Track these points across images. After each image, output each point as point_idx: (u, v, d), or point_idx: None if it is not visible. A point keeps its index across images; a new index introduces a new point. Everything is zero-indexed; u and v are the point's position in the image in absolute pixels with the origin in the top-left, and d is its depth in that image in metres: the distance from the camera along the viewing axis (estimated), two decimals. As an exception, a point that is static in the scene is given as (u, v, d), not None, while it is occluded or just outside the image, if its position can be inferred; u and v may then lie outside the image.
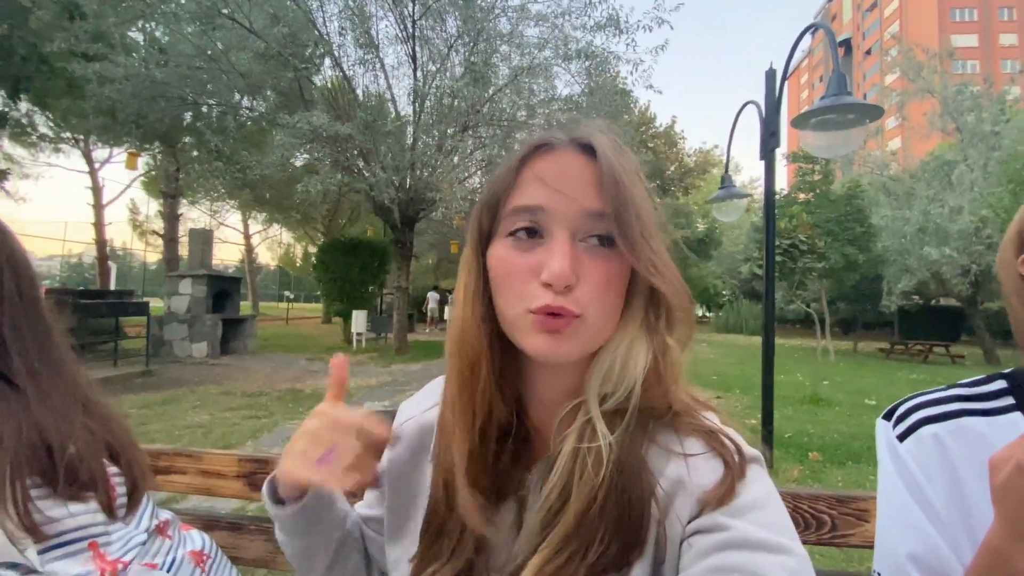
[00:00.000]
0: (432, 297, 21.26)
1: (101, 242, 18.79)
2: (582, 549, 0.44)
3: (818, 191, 18.98)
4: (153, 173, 18.79)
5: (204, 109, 11.58)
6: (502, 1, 10.00)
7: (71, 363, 0.66)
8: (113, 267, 19.34)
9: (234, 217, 28.96)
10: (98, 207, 19.14)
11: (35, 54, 9.00)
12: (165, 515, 0.68)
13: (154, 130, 11.66)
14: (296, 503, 0.57)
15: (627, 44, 10.49)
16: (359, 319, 13.11)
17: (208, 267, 11.19)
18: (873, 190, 16.57)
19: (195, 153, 14.42)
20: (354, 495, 0.59)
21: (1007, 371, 0.61)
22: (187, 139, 13.90)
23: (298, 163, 11.85)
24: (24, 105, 11.69)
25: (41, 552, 0.53)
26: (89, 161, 18.73)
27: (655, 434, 0.49)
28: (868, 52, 57.37)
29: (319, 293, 16.63)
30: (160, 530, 0.63)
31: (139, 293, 19.10)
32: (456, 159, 11.05)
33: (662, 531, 0.45)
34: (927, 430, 0.57)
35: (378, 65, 10.96)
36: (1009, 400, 0.57)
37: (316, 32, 10.28)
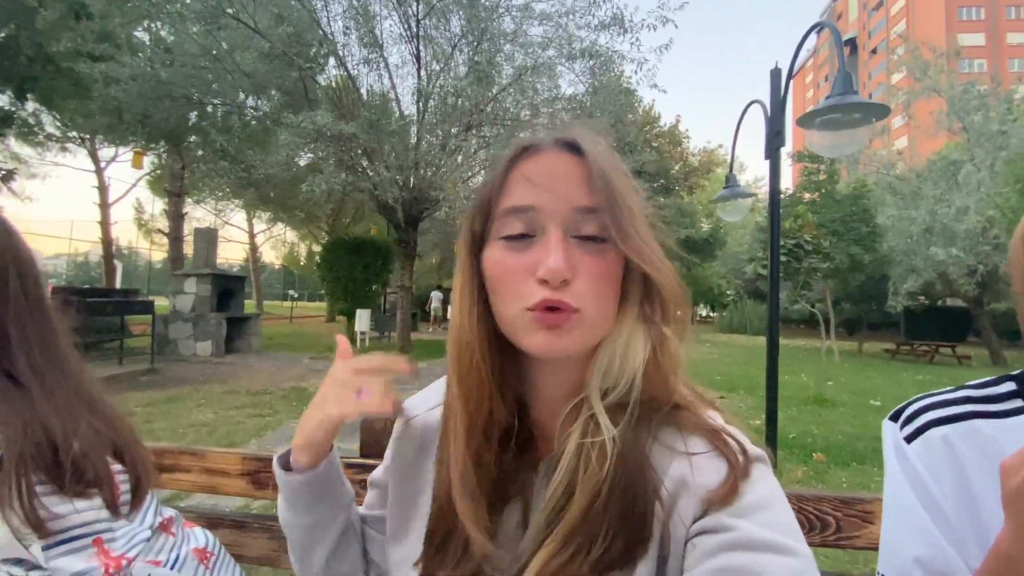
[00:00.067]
0: (436, 296, 21.28)
1: (107, 241, 18.90)
2: (587, 544, 0.44)
3: (823, 191, 18.90)
4: (158, 172, 18.88)
5: (209, 109, 11.63)
6: (506, 0, 10.00)
7: (75, 362, 0.66)
8: (119, 266, 19.45)
9: (238, 216, 29.13)
10: (104, 206, 19.26)
11: (41, 54, 9.06)
12: (169, 512, 0.69)
13: (159, 129, 11.72)
14: (310, 471, 0.58)
15: (631, 43, 10.48)
16: (363, 318, 13.13)
17: (213, 266, 11.23)
18: (879, 190, 16.48)
19: (200, 152, 14.49)
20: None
21: (1016, 372, 0.60)
22: (192, 138, 13.96)
23: (302, 162, 11.90)
24: (31, 105, 11.76)
25: (46, 548, 0.54)
26: (95, 160, 18.84)
27: (659, 432, 0.49)
28: (874, 51, 57.05)
29: (323, 292, 16.67)
30: (164, 527, 0.64)
31: (144, 292, 19.19)
32: (460, 158, 11.05)
33: (666, 531, 0.45)
34: (936, 432, 0.56)
35: (382, 64, 10.98)
36: (1019, 402, 0.56)
37: (320, 32, 10.31)
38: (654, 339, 0.49)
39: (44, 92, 10.52)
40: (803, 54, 4.19)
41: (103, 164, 19.21)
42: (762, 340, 4.43)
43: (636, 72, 10.81)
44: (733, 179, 5.21)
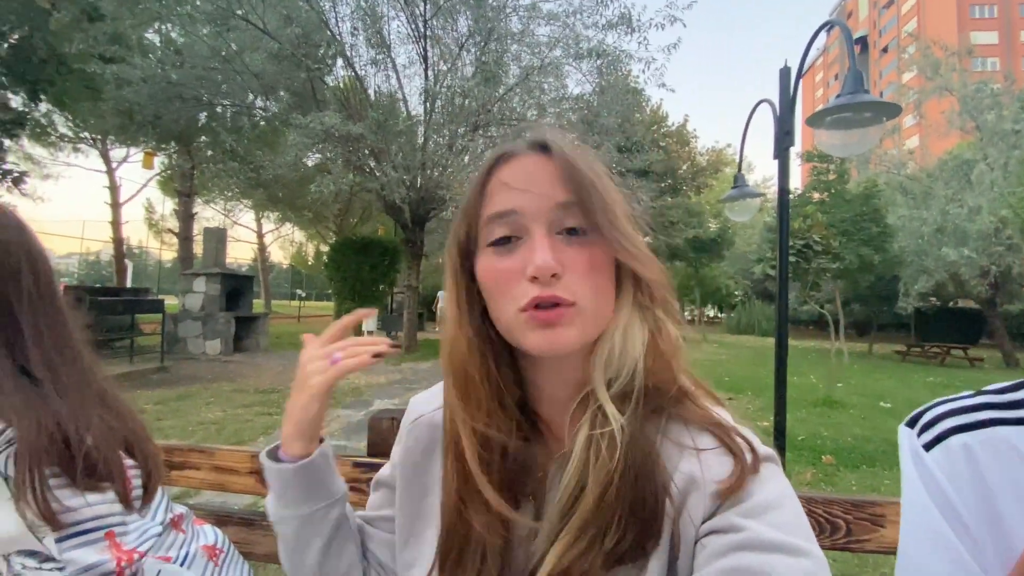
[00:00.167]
0: (442, 296, 21.17)
1: (118, 240, 19.11)
2: (600, 535, 0.44)
3: (833, 190, 18.74)
4: (169, 172, 19.06)
5: (219, 109, 11.74)
6: (513, 0, 10.00)
7: (88, 357, 0.67)
8: (129, 265, 19.66)
9: (247, 216, 29.33)
10: (115, 206, 19.47)
11: (54, 56, 9.16)
12: (180, 509, 0.69)
13: (170, 130, 11.83)
14: (303, 459, 0.58)
15: (639, 42, 10.45)
16: (370, 318, 13.18)
17: (222, 265, 11.33)
18: (890, 190, 16.31)
19: (210, 153, 14.63)
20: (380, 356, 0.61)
21: None
22: (202, 139, 14.09)
23: (310, 163, 11.97)
24: (44, 106, 11.91)
25: (59, 540, 0.54)
26: (107, 161, 19.05)
27: (667, 429, 0.49)
28: (885, 50, 56.49)
29: (330, 291, 16.76)
30: (175, 524, 0.64)
31: (154, 291, 19.38)
32: (467, 158, 11.07)
33: (676, 529, 0.45)
34: (956, 440, 0.54)
35: (390, 65, 11.02)
36: None
37: (329, 32, 10.36)
38: (651, 325, 0.50)
39: (57, 93, 10.64)
40: (813, 53, 4.16)
41: (114, 164, 19.43)
42: (770, 341, 4.40)
43: (644, 71, 10.79)
44: (741, 179, 5.17)
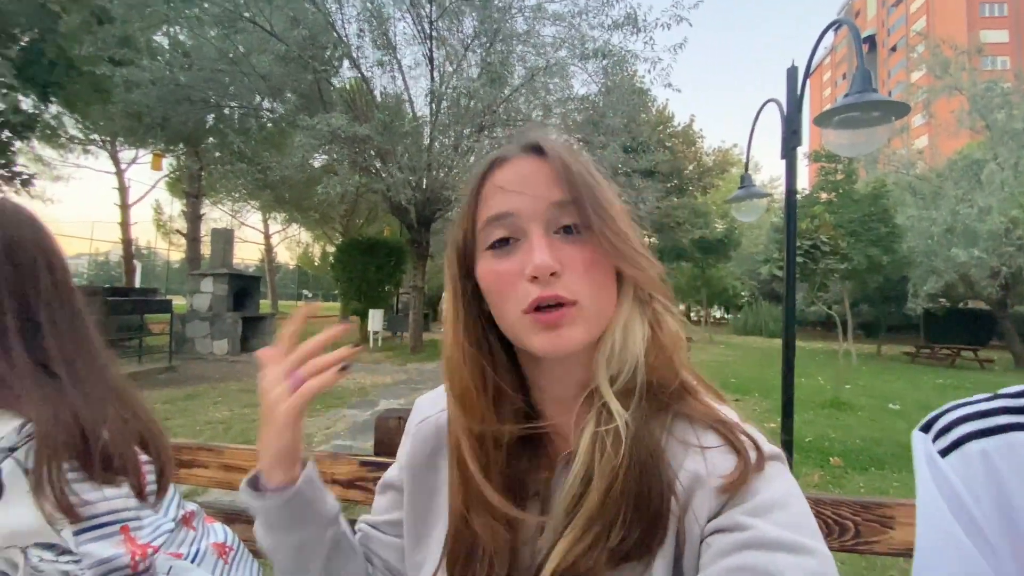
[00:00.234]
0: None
1: (127, 241, 19.27)
2: (606, 531, 0.44)
3: (841, 191, 18.62)
4: (177, 174, 19.21)
5: (226, 111, 11.82)
6: (519, 1, 10.01)
7: (104, 353, 0.68)
8: (138, 266, 19.83)
9: (254, 217, 29.54)
10: (124, 207, 19.64)
11: (64, 58, 9.26)
12: (190, 507, 0.70)
13: (178, 132, 11.92)
14: (287, 489, 0.54)
15: (645, 42, 10.43)
16: (375, 318, 13.23)
17: (229, 266, 11.40)
18: (898, 190, 16.18)
19: (217, 154, 14.72)
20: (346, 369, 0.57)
21: None
22: (210, 140, 14.19)
23: (317, 164, 12.02)
24: (54, 108, 12.04)
25: (76, 533, 0.55)
26: (116, 162, 19.23)
27: (673, 427, 0.49)
28: (893, 49, 56.05)
29: (337, 292, 16.83)
30: (186, 521, 0.65)
31: (163, 291, 19.53)
32: (472, 159, 11.08)
33: (682, 527, 0.45)
34: (974, 446, 0.52)
35: (396, 66, 11.06)
36: None
37: (335, 34, 10.41)
38: (651, 320, 0.50)
39: (67, 96, 10.76)
40: (820, 52, 4.14)
41: (123, 166, 19.61)
42: (777, 342, 4.38)
43: (650, 71, 10.77)
44: (748, 179, 5.15)
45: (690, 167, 24.91)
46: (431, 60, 10.57)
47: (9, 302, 0.61)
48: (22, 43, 8.90)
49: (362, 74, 11.16)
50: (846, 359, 12.39)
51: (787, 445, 4.05)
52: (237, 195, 21.59)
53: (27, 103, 9.87)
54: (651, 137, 15.49)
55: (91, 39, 9.08)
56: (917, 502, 0.56)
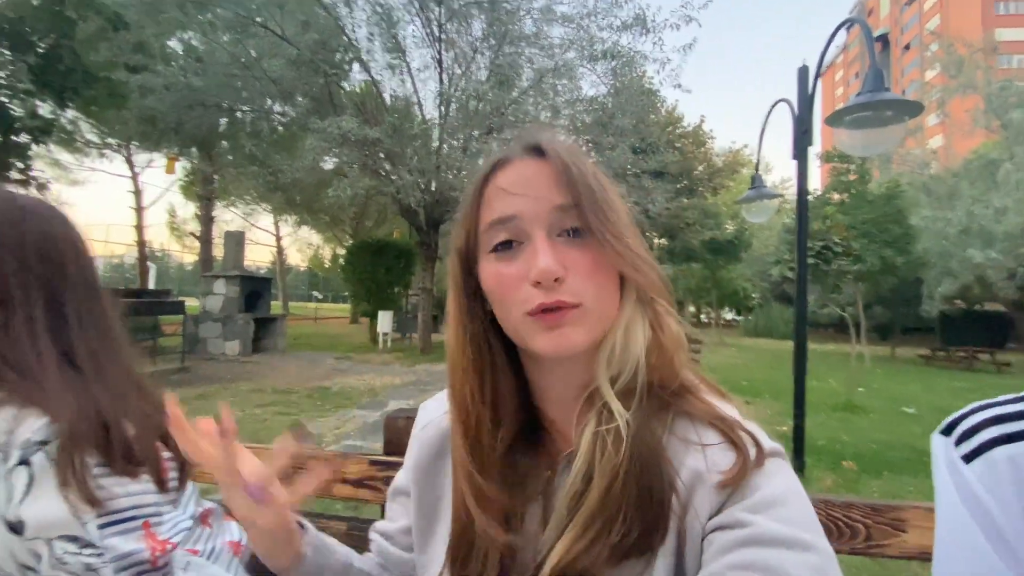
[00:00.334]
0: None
1: (141, 244, 19.57)
2: (606, 529, 0.44)
3: (853, 191, 18.41)
4: (190, 177, 19.47)
5: (239, 115, 11.96)
6: (527, 3, 10.03)
7: (127, 347, 0.70)
8: (152, 268, 20.10)
9: (266, 219, 29.76)
10: (139, 210, 19.94)
11: (80, 64, 9.42)
12: (209, 504, 0.70)
13: (192, 136, 12.09)
14: (298, 566, 0.56)
15: (654, 43, 10.41)
16: (385, 319, 13.29)
17: (241, 268, 11.52)
18: (913, 190, 15.98)
19: (230, 157, 14.90)
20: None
21: None
22: (223, 144, 14.36)
23: (328, 167, 12.12)
24: (71, 113, 12.25)
25: (101, 527, 0.56)
26: (131, 166, 19.53)
27: (674, 426, 0.49)
28: (907, 47, 55.37)
29: (347, 294, 16.94)
30: (203, 518, 0.66)
31: (176, 292, 19.77)
32: (481, 161, 11.10)
33: (683, 526, 0.45)
34: (1000, 452, 0.48)
35: (405, 69, 11.12)
36: None
37: (345, 38, 10.50)
38: (652, 321, 0.50)
39: (83, 101, 10.94)
40: (832, 51, 4.11)
41: (138, 170, 19.91)
42: (789, 344, 4.34)
43: (659, 72, 10.74)
44: (759, 179, 5.12)
45: (700, 168, 24.76)
46: (440, 63, 10.63)
47: (38, 295, 0.62)
48: (39, 49, 9.07)
49: (372, 77, 11.25)
50: (859, 361, 12.23)
51: (798, 448, 4.03)
52: (249, 198, 21.85)
53: (44, 108, 10.05)
54: (660, 138, 15.45)
55: (107, 45, 9.24)
56: (937, 509, 0.53)
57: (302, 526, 0.58)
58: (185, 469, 0.67)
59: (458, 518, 0.53)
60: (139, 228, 19.68)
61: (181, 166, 16.88)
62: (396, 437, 1.05)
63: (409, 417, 1.02)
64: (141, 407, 0.64)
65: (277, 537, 0.53)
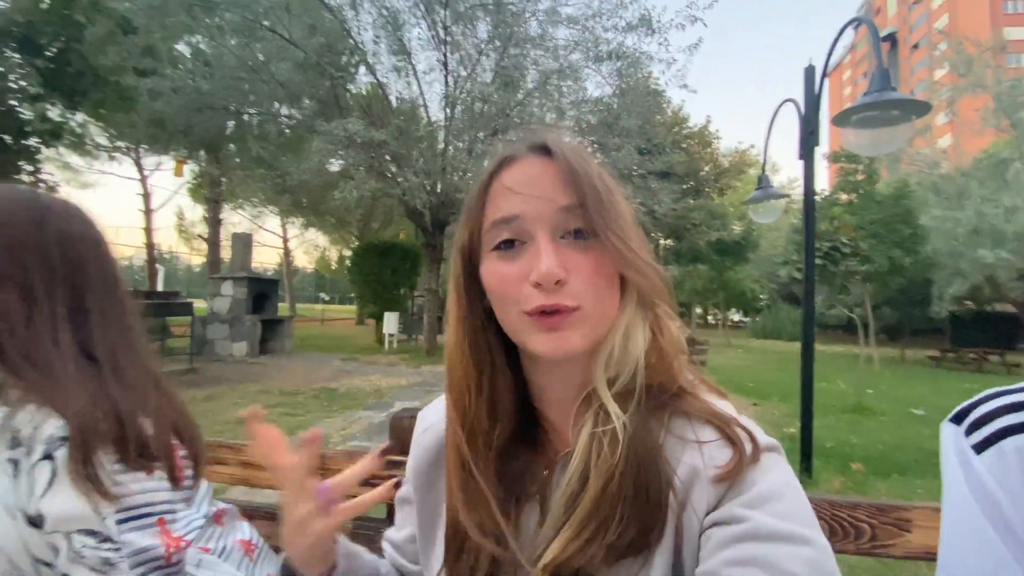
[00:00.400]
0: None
1: (150, 246, 19.74)
2: (602, 529, 0.44)
3: (862, 191, 18.28)
4: (198, 180, 19.62)
5: (246, 118, 12.03)
6: (532, 5, 10.04)
7: (145, 343, 0.72)
8: (161, 269, 20.27)
9: (273, 221, 29.97)
10: (147, 213, 20.12)
11: (89, 68, 9.52)
12: (223, 505, 0.71)
13: (200, 139, 12.18)
14: (331, 573, 0.56)
15: (659, 44, 10.39)
16: (391, 321, 13.33)
17: (248, 269, 11.59)
18: (922, 190, 15.83)
19: (237, 160, 15.00)
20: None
21: None
22: (230, 147, 14.46)
23: (334, 169, 12.19)
24: (80, 116, 12.38)
25: (119, 522, 0.57)
26: (140, 169, 19.73)
27: (671, 424, 0.49)
28: (915, 46, 54.92)
29: (353, 295, 17.00)
30: (217, 518, 0.66)
31: (184, 294, 19.92)
32: (486, 163, 11.13)
33: (680, 523, 0.45)
34: (1012, 442, 0.47)
35: (411, 72, 11.17)
36: None
37: (352, 41, 10.56)
38: (653, 325, 0.50)
39: (93, 104, 11.05)
40: (840, 50, 4.09)
41: (147, 172, 20.10)
42: (797, 346, 4.31)
43: (664, 73, 10.73)
44: (766, 180, 5.10)
45: (706, 168, 24.68)
46: (445, 65, 10.66)
47: (61, 291, 0.64)
48: (49, 53, 9.17)
49: (378, 80, 11.30)
50: (868, 363, 12.14)
51: (806, 450, 4.00)
52: (256, 200, 21.99)
53: (53, 112, 10.16)
54: (666, 139, 15.42)
55: (116, 50, 9.33)
56: (944, 499, 0.52)
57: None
58: (199, 465, 0.68)
59: (452, 511, 0.53)
60: (148, 230, 19.86)
61: (189, 169, 17.02)
62: (402, 437, 1.05)
63: (414, 417, 1.03)
64: (157, 402, 0.65)
65: (321, 547, 0.54)
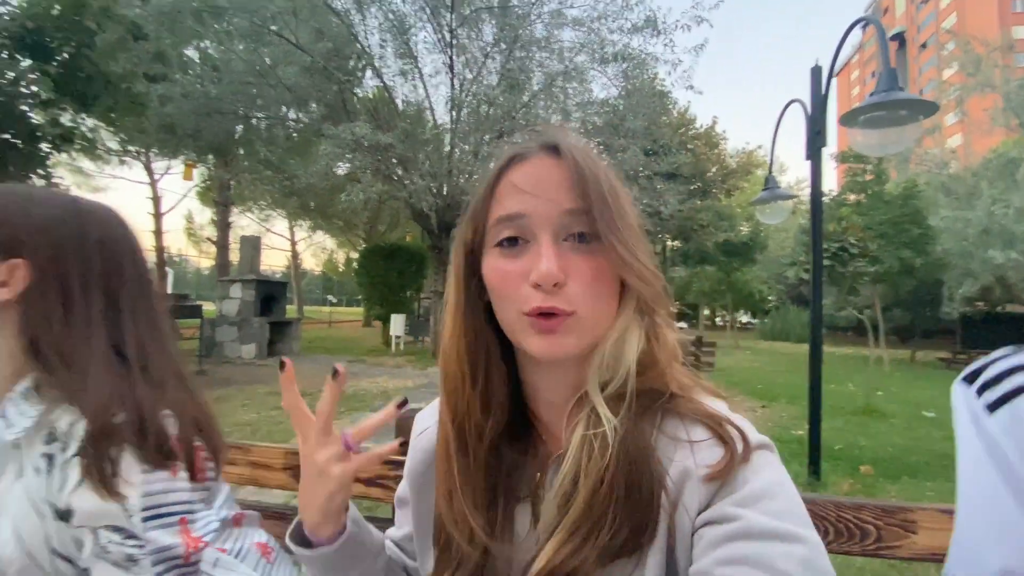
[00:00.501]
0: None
1: (159, 249, 19.92)
2: (594, 531, 0.45)
3: (870, 192, 18.13)
4: (207, 183, 19.79)
5: (254, 122, 12.14)
6: (538, 7, 10.06)
7: (173, 341, 0.75)
8: (170, 272, 20.42)
9: (281, 224, 30.18)
10: (157, 216, 20.32)
11: (100, 74, 9.64)
12: (244, 511, 0.72)
13: (209, 143, 12.28)
14: (339, 538, 0.56)
15: (665, 45, 10.36)
16: (397, 323, 13.37)
17: (257, 272, 11.68)
18: (931, 190, 15.68)
19: (246, 163, 15.12)
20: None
21: None
22: (239, 150, 14.58)
23: (341, 172, 12.27)
24: (91, 121, 12.54)
25: (144, 520, 0.58)
26: (150, 173, 19.94)
27: (663, 423, 0.49)
28: (924, 46, 54.47)
29: (360, 297, 17.06)
30: (236, 521, 0.67)
31: (193, 297, 20.08)
32: (492, 165, 11.15)
33: (672, 523, 0.46)
34: None
35: (417, 75, 11.22)
36: None
37: (358, 45, 10.62)
38: (649, 331, 0.50)
39: (103, 109, 11.19)
40: (847, 50, 4.08)
41: (157, 176, 20.31)
42: (806, 348, 4.29)
43: (670, 74, 10.73)
44: (772, 180, 5.08)
45: (713, 169, 24.60)
46: (451, 68, 10.70)
47: (97, 292, 0.67)
48: (60, 58, 9.29)
49: (384, 83, 11.36)
50: (878, 365, 12.03)
51: (815, 452, 3.97)
52: (264, 203, 22.15)
53: (65, 117, 10.29)
54: (672, 140, 15.36)
55: (126, 56, 9.45)
56: (958, 458, 0.50)
57: None
58: (219, 457, 0.70)
59: (440, 504, 0.54)
60: (157, 234, 20.06)
61: (198, 172, 17.17)
62: (408, 436, 1.06)
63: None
64: (181, 398, 0.67)
65: (335, 503, 0.53)
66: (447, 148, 10.79)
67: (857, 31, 4.00)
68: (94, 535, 0.57)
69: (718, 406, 0.51)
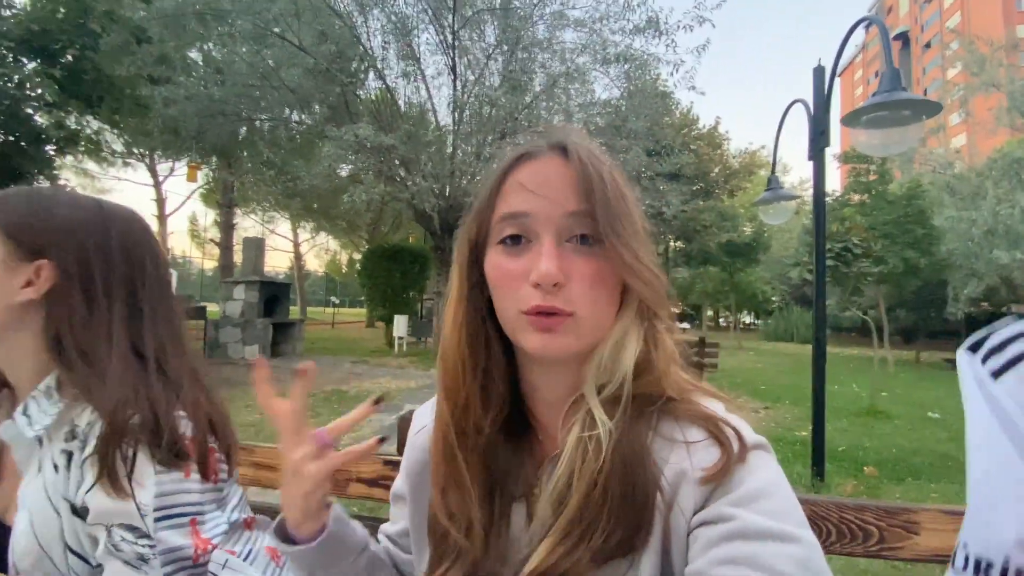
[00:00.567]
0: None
1: (163, 250, 20.02)
2: (588, 533, 0.45)
3: (874, 192, 18.06)
4: (211, 185, 19.87)
5: (257, 124, 12.19)
6: (540, 8, 10.07)
7: (189, 341, 0.76)
8: (174, 274, 20.54)
9: (284, 226, 30.29)
10: (161, 218, 20.41)
11: (104, 76, 9.70)
12: (256, 516, 0.72)
13: (212, 145, 12.34)
14: (320, 534, 0.55)
15: (667, 45, 10.35)
16: (400, 323, 13.39)
17: (260, 273, 11.70)
18: (935, 190, 15.61)
19: (249, 165, 15.18)
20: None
21: None
22: (243, 152, 14.64)
23: (344, 173, 12.30)
24: (95, 123, 12.61)
25: (157, 520, 0.59)
26: (154, 175, 20.05)
27: (658, 424, 0.49)
28: (927, 45, 54.26)
29: (363, 298, 17.09)
30: (247, 524, 0.68)
31: (197, 298, 20.17)
32: (495, 166, 11.16)
33: (667, 524, 0.45)
34: None
35: (419, 76, 11.24)
36: None
37: (361, 47, 10.66)
38: (648, 335, 0.50)
39: (108, 111, 11.25)
40: (850, 50, 4.07)
41: (161, 178, 20.40)
42: (809, 348, 4.27)
43: (672, 74, 10.67)
44: (775, 181, 5.06)
45: (716, 170, 24.55)
46: (454, 69, 10.71)
47: (119, 293, 0.69)
48: (64, 61, 9.35)
49: (387, 85, 11.39)
50: (882, 366, 11.98)
51: (818, 453, 3.96)
52: (268, 204, 22.23)
53: (70, 119, 10.35)
54: (675, 140, 15.36)
55: (130, 58, 9.50)
56: (967, 426, 0.50)
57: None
58: (232, 457, 0.70)
59: (435, 498, 0.54)
60: (162, 235, 20.16)
61: (202, 174, 17.26)
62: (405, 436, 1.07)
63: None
64: (195, 396, 0.68)
65: (313, 501, 0.53)
66: (449, 149, 10.81)
67: (860, 31, 3.99)
68: (108, 533, 0.58)
69: (715, 407, 0.51)
